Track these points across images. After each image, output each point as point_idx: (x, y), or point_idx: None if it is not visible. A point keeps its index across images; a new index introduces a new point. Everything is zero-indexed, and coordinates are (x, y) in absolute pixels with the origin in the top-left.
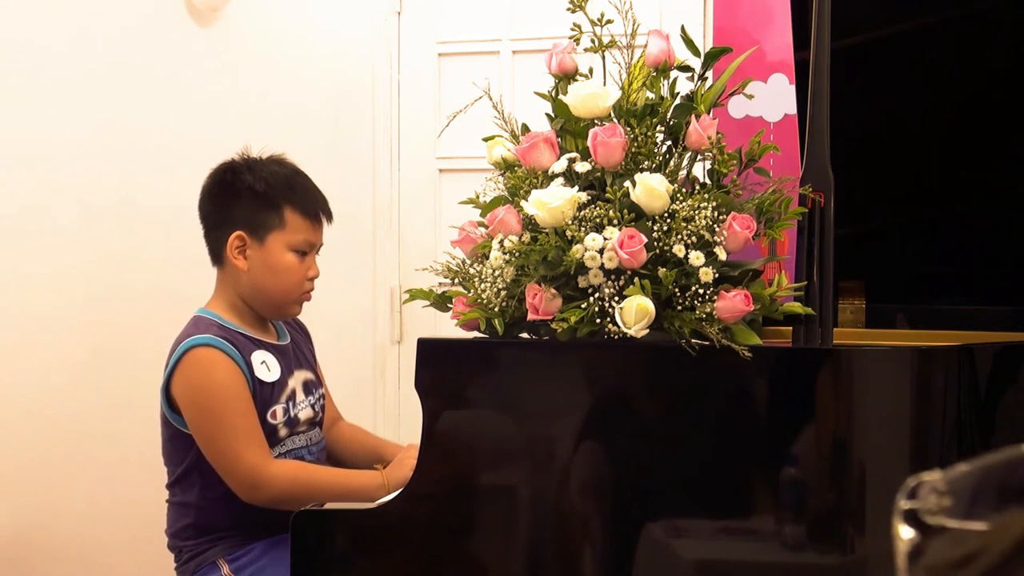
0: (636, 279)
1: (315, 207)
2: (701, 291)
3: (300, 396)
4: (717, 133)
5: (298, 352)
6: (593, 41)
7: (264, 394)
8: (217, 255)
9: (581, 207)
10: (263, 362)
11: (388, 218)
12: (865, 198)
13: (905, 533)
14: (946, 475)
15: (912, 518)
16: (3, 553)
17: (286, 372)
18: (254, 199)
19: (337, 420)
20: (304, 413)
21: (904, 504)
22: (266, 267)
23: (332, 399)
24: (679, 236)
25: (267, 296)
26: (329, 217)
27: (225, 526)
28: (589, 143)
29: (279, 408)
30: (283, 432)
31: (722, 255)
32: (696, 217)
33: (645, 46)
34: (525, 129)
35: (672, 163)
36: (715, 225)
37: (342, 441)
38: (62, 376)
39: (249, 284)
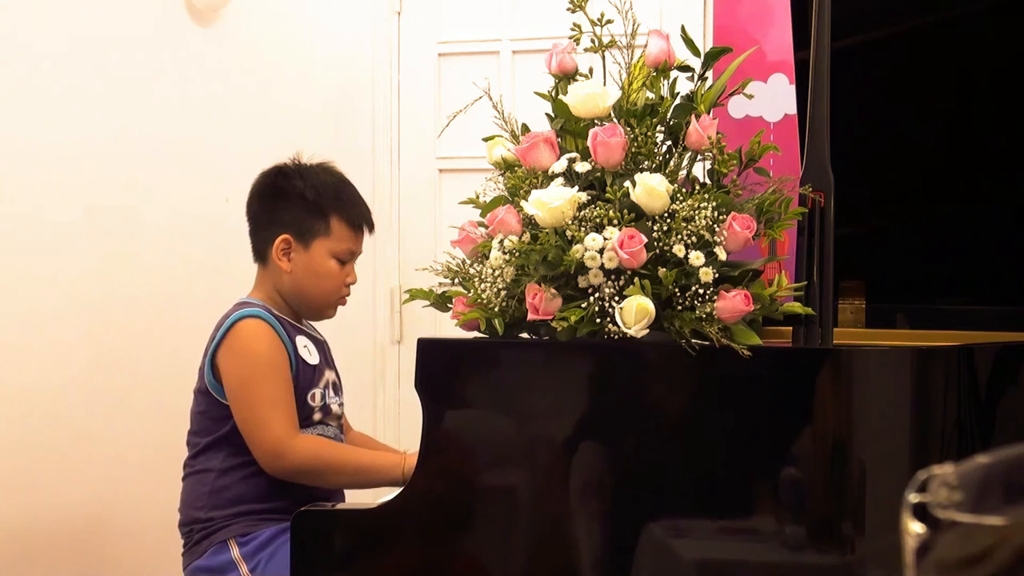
0: (636, 279)
1: (360, 218)
2: (701, 291)
3: (331, 392)
4: (717, 133)
5: (328, 352)
6: (593, 41)
7: (306, 375)
8: (261, 253)
9: (581, 207)
10: (305, 346)
11: (388, 218)
12: (865, 198)
13: (914, 527)
14: (957, 469)
15: (922, 512)
16: (9, 548)
17: (323, 363)
18: (303, 205)
19: (348, 430)
20: (335, 408)
21: (914, 498)
22: (309, 271)
23: None
24: (679, 236)
25: (307, 298)
26: (371, 227)
27: (242, 497)
28: (589, 143)
29: (318, 392)
30: (317, 416)
31: (722, 255)
32: (696, 217)
33: (645, 46)
34: (525, 129)
35: (672, 163)
36: (715, 225)
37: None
38: (64, 376)
39: (291, 285)
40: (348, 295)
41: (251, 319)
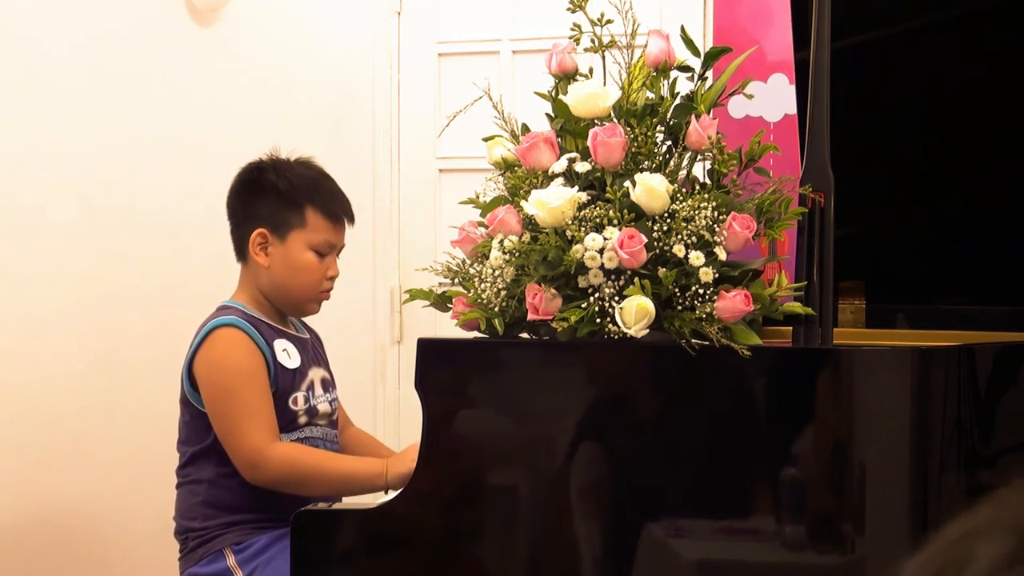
0: (636, 279)
1: (337, 209)
2: (701, 291)
3: (318, 390)
4: (717, 133)
5: (315, 350)
6: (593, 41)
7: (286, 380)
8: (241, 251)
9: (581, 207)
10: (284, 350)
11: (388, 218)
12: (865, 198)
13: None
14: None
15: None
16: (7, 548)
17: (306, 364)
18: (277, 198)
19: (348, 425)
20: (322, 407)
21: None
22: (286, 264)
23: (342, 404)
24: (679, 236)
25: (286, 293)
26: (351, 219)
27: (235, 507)
28: (589, 143)
29: (300, 395)
30: (303, 420)
31: (722, 255)
32: (696, 217)
33: (645, 46)
34: (525, 129)
35: (672, 163)
36: (715, 225)
37: (353, 446)
38: (63, 377)
39: (270, 280)
40: (330, 289)
41: (226, 328)
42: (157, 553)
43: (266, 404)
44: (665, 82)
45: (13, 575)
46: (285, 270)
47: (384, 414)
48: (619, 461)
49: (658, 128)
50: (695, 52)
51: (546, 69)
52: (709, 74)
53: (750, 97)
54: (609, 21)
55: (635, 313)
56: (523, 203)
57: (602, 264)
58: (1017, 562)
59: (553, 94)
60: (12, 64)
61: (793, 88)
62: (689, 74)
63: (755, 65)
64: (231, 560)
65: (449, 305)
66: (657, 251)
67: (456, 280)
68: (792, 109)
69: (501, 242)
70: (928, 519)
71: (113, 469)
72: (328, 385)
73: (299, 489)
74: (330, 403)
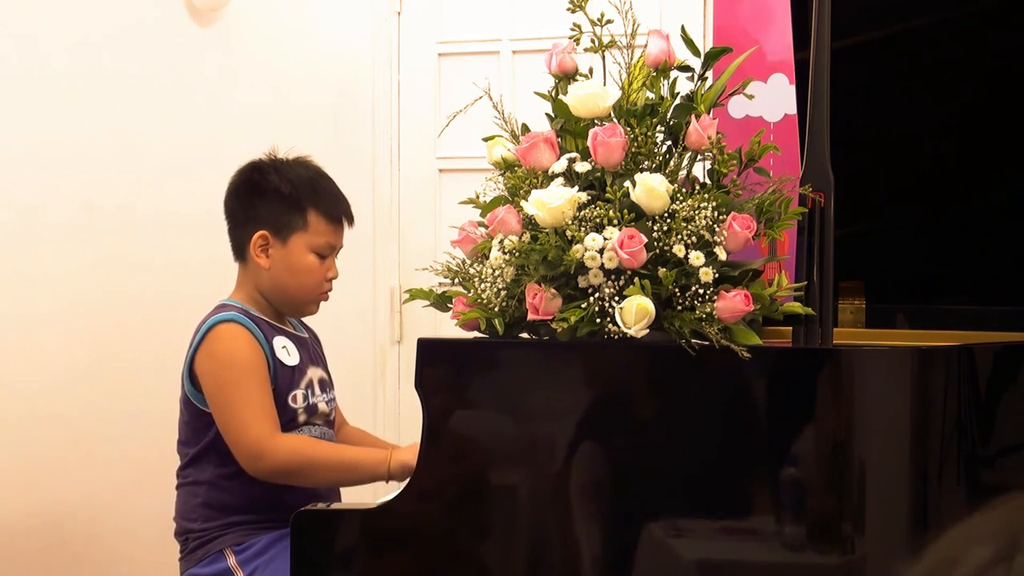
0: (636, 279)
1: (338, 211)
2: (701, 291)
3: (317, 390)
4: (717, 133)
5: (313, 349)
6: (593, 41)
7: (285, 377)
8: (240, 251)
9: (581, 207)
10: (284, 347)
11: (388, 218)
12: (865, 198)
13: None
14: None
15: None
16: (7, 548)
17: (305, 362)
18: (279, 200)
19: (344, 424)
20: (321, 406)
21: None
22: (287, 267)
23: (338, 404)
24: (679, 236)
25: (287, 294)
26: (351, 220)
27: (235, 507)
28: (589, 143)
29: (299, 393)
30: (302, 418)
31: (722, 255)
32: (696, 217)
33: (645, 46)
34: (525, 129)
35: (672, 163)
36: (715, 225)
37: (351, 443)
38: (63, 376)
39: (270, 281)
40: (330, 290)
41: (226, 323)
42: (157, 554)
43: (268, 397)
44: (665, 82)
45: (13, 575)
46: (286, 272)
47: (384, 414)
48: (619, 461)
49: (658, 128)
50: (695, 52)
51: (546, 69)
52: (709, 74)
53: (750, 97)
54: (609, 21)
55: (635, 313)
56: (523, 203)
57: (602, 264)
58: (1003, 560)
59: (553, 94)
60: (12, 64)
61: (793, 88)
62: (689, 74)
63: (755, 65)
64: (231, 560)
65: (449, 305)
66: (657, 251)
67: (456, 280)
68: (792, 109)
69: (501, 242)
70: (928, 519)
71: (113, 469)
72: (326, 385)
73: (302, 479)
74: (327, 403)
